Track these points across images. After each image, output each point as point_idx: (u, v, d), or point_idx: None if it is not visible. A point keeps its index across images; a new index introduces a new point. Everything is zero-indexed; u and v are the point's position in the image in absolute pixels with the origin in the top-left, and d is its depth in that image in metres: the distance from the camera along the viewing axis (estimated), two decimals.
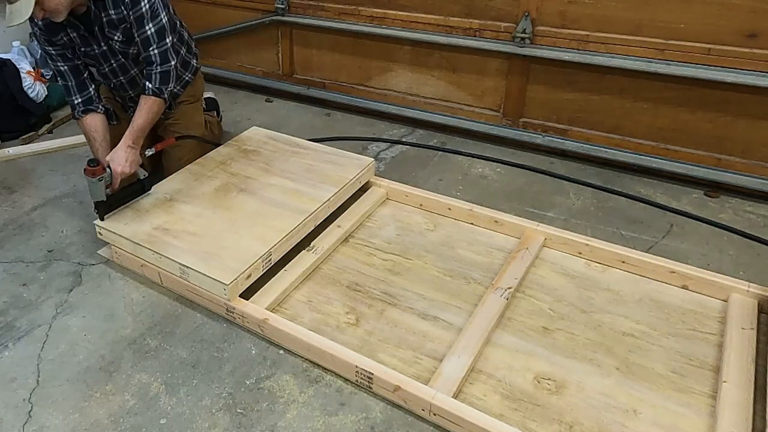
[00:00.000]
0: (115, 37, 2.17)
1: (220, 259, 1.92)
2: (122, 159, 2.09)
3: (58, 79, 2.25)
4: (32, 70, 3.23)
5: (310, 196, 2.25)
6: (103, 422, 1.58)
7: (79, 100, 2.21)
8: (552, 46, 2.64)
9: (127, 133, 2.14)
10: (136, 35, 2.13)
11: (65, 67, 2.20)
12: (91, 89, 2.25)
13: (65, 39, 2.15)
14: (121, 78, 2.34)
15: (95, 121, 2.24)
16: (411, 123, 3.21)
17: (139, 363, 1.76)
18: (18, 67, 3.12)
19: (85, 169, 2.01)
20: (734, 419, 1.50)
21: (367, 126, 3.22)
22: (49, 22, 2.06)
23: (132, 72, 2.33)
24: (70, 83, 2.21)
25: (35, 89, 3.16)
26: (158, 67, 2.16)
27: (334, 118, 3.33)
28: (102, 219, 2.08)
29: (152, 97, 2.17)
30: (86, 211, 2.46)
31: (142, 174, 2.19)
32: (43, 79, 3.30)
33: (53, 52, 2.17)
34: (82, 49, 2.21)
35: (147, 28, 2.11)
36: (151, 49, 2.14)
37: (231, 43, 3.51)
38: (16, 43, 3.44)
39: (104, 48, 2.21)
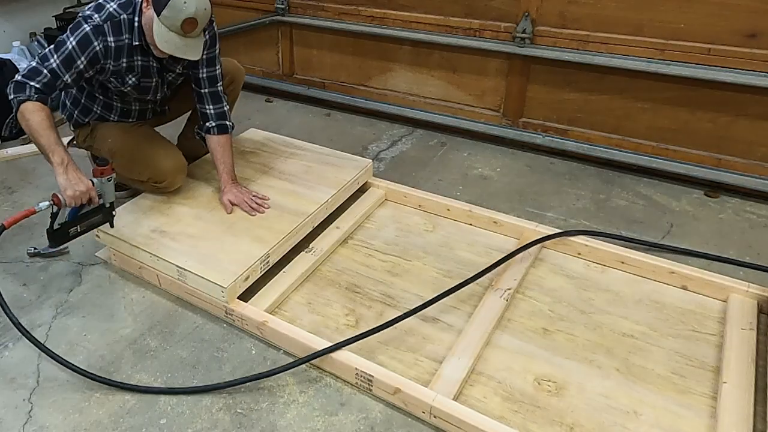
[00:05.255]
0: (177, 70, 2.20)
1: (217, 261, 1.92)
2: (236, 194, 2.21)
3: (42, 70, 1.90)
4: None
5: (308, 198, 2.25)
6: (103, 422, 1.58)
7: (38, 86, 1.91)
8: (552, 46, 2.63)
9: (228, 174, 2.21)
10: (201, 72, 2.18)
11: (69, 79, 1.95)
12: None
13: (119, 65, 2.03)
14: (149, 97, 2.25)
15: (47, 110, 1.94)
16: (411, 123, 3.21)
17: (139, 363, 1.76)
18: (18, 67, 3.12)
19: (93, 169, 1.91)
20: (735, 420, 1.50)
21: (367, 126, 3.22)
22: (126, 46, 1.99)
23: (160, 95, 2.28)
24: (47, 79, 1.92)
25: None
26: (224, 105, 2.25)
27: (334, 118, 3.33)
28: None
29: (227, 135, 2.25)
30: None
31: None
32: None
33: (82, 67, 1.95)
34: (132, 78, 2.09)
35: (216, 68, 2.20)
36: (218, 85, 2.23)
37: (231, 43, 3.50)
38: (16, 43, 3.44)
39: (158, 80, 2.17)
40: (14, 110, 1.92)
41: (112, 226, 2.02)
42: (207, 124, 2.22)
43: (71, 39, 1.94)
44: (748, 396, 1.57)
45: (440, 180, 2.70)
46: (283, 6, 3.26)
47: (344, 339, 1.80)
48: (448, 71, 3.00)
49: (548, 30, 2.63)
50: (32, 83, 1.90)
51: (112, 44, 1.97)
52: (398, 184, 2.52)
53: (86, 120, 2.27)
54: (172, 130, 2.58)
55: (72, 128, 2.35)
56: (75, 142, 2.40)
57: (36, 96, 1.89)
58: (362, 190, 2.49)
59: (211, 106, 2.22)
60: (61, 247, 2.19)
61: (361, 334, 1.74)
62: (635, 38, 2.46)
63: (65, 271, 2.14)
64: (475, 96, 2.98)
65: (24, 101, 1.88)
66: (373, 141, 3.06)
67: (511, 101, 2.89)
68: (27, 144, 3.02)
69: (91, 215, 1.95)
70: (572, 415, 1.58)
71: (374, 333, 1.75)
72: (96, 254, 2.20)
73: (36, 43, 3.61)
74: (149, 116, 2.39)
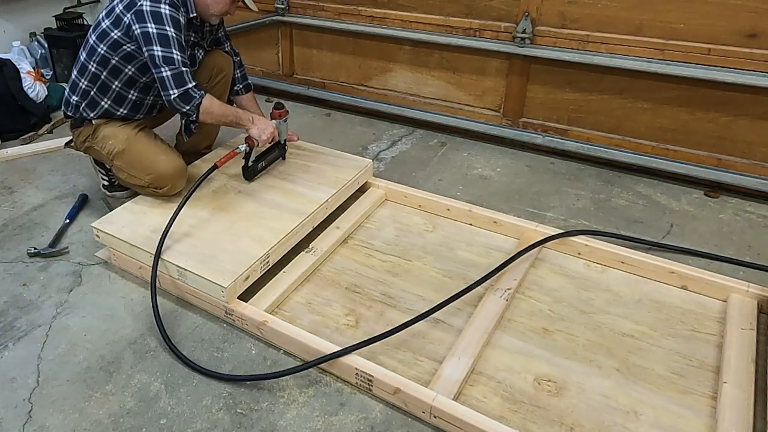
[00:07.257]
0: (205, 47, 2.39)
1: (218, 261, 1.92)
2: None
3: (180, 68, 2.02)
4: (32, 70, 3.23)
5: (308, 198, 2.25)
6: (103, 422, 1.58)
7: (194, 82, 2.08)
8: (552, 46, 2.64)
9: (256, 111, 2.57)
10: (227, 46, 2.52)
11: (188, 60, 2.11)
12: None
13: (189, 38, 2.21)
14: None
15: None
16: (411, 123, 3.21)
17: (139, 363, 1.76)
18: (18, 67, 3.12)
19: (271, 113, 2.32)
20: (735, 420, 1.50)
21: (367, 126, 3.22)
22: (190, 19, 2.14)
23: None
24: (189, 73, 2.07)
25: (35, 89, 3.16)
26: (243, 68, 2.59)
27: (334, 118, 3.34)
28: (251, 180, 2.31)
29: (252, 90, 2.62)
30: (87, 210, 2.47)
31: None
32: (43, 79, 3.30)
33: (183, 43, 2.08)
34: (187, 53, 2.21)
35: (230, 40, 2.56)
36: (238, 54, 2.58)
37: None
38: (16, 43, 3.44)
39: (192, 53, 2.28)
40: (195, 116, 2.08)
41: (284, 159, 2.45)
42: (235, 87, 2.56)
43: (166, 26, 2.01)
44: (748, 396, 1.57)
45: (440, 180, 2.70)
46: (283, 6, 3.26)
47: (345, 339, 1.81)
48: (448, 71, 3.00)
49: (548, 30, 2.63)
50: (189, 84, 2.04)
51: (184, 15, 2.11)
52: (398, 184, 2.52)
53: (91, 115, 2.26)
54: (171, 129, 2.58)
55: (72, 128, 2.34)
56: (73, 144, 2.40)
57: (202, 91, 2.09)
58: (362, 190, 2.49)
59: (237, 72, 2.54)
60: (62, 248, 2.21)
61: (369, 339, 1.72)
62: (635, 38, 2.46)
63: (65, 271, 2.14)
64: (475, 96, 2.98)
65: (200, 102, 2.06)
66: (373, 141, 3.07)
67: (511, 101, 2.89)
68: (27, 144, 3.02)
69: (270, 152, 2.36)
70: (572, 415, 1.58)
71: (383, 338, 1.74)
72: (96, 254, 2.20)
73: (36, 43, 3.62)
74: (155, 113, 2.40)
